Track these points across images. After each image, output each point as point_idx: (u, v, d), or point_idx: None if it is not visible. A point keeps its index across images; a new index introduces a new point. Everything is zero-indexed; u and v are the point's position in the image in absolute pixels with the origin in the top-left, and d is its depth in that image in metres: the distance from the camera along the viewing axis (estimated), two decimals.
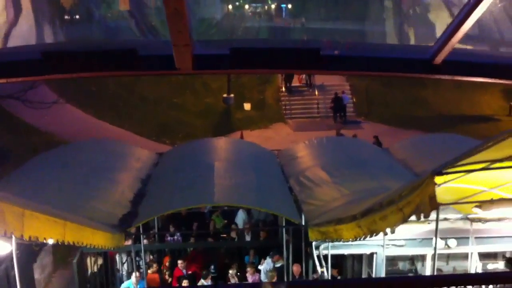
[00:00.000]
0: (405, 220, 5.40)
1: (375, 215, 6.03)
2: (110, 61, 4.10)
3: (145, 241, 11.91)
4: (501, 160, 5.81)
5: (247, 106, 29.04)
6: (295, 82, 30.57)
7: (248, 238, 13.45)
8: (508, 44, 5.10)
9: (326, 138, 15.25)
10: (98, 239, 8.29)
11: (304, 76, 29.76)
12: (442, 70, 4.09)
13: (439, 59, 3.94)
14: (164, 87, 29.87)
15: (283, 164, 13.81)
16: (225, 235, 13.84)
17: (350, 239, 7.20)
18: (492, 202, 6.09)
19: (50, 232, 5.93)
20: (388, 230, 5.80)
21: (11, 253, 7.22)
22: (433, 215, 6.74)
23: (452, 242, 10.31)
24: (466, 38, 3.90)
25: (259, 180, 11.48)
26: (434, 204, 4.90)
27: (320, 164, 12.64)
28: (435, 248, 7.49)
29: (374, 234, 6.18)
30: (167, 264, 12.23)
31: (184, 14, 3.35)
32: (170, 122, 27.24)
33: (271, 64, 4.29)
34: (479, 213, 6.38)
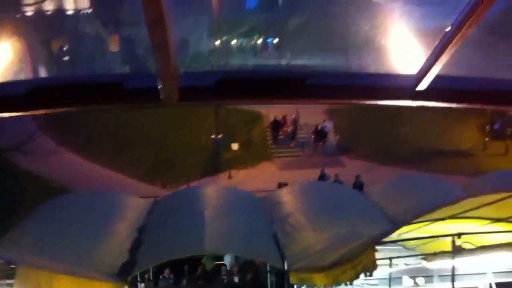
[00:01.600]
0: (357, 275, 6.62)
1: (338, 269, 7.23)
2: (95, 94, 4.10)
3: (142, 285, 12.99)
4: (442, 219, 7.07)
5: (234, 147, 30.30)
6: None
7: (236, 279, 14.53)
8: (491, 69, 5.53)
9: (309, 183, 16.52)
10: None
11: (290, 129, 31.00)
12: (426, 97, 4.18)
13: (422, 86, 4.07)
14: (155, 128, 31.16)
15: (268, 209, 14.99)
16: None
17: (322, 286, 8.35)
18: (435, 255, 7.31)
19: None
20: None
21: None
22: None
23: (420, 280, 11.51)
24: (449, 64, 3.95)
25: (245, 227, 12.65)
26: (375, 267, 6.13)
27: (301, 210, 13.84)
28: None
29: (338, 284, 7.38)
30: None
31: (169, 47, 3.36)
32: (162, 163, 28.38)
33: (257, 94, 4.27)
34: (424, 264, 7.60)
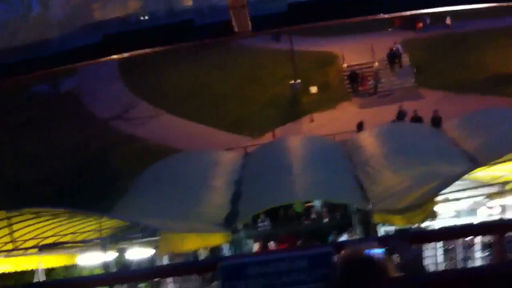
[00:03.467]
0: (425, 219, 7.89)
1: (411, 212, 8.52)
2: (168, 34, 5.22)
3: (242, 232, 14.91)
4: None
5: (313, 90, 31.30)
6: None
7: (325, 220, 16.15)
8: None
9: (387, 126, 17.54)
10: (216, 239, 11.28)
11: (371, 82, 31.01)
12: None
13: None
14: (234, 83, 32.94)
15: (350, 154, 16.29)
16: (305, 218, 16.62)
17: (401, 226, 9.69)
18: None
19: (195, 245, 8.89)
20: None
21: None
22: None
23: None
24: None
25: (329, 174, 14.10)
26: (434, 215, 7.38)
27: (381, 153, 15.03)
28: None
29: (412, 224, 8.69)
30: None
31: None
32: (245, 114, 30.12)
33: (329, 14, 5.08)
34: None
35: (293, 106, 30.37)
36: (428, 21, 35.87)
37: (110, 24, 30.30)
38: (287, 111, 29.96)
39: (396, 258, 3.11)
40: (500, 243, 3.75)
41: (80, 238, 10.43)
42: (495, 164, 9.84)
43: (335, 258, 3.26)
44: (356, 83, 30.96)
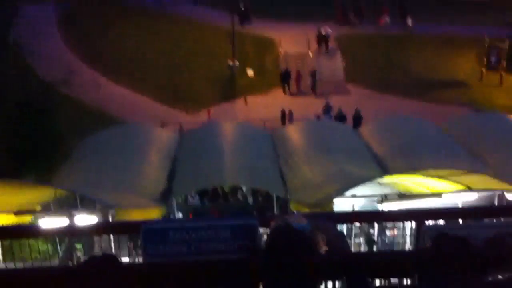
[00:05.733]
0: None
1: (320, 207, 10.68)
2: None
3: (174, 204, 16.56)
4: None
5: (250, 73, 32.94)
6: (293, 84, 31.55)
7: (250, 200, 18.10)
8: None
9: (312, 123, 19.69)
10: (153, 213, 12.95)
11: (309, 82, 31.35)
12: None
13: None
14: (173, 54, 34.05)
15: (277, 144, 18.25)
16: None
17: None
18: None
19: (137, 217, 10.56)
20: None
21: None
22: None
23: None
24: None
25: (257, 162, 16.04)
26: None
27: (303, 148, 17.12)
28: None
29: None
30: None
31: None
32: (182, 88, 31.42)
33: None
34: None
35: (230, 87, 31.95)
36: (388, 19, 37.55)
37: None
38: (224, 91, 31.53)
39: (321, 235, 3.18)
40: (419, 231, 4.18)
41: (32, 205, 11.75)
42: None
43: (260, 230, 3.37)
44: (288, 83, 31.06)
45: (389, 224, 13.01)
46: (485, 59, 32.98)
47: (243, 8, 36.86)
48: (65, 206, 12.47)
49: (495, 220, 5.19)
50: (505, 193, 12.79)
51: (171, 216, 16.31)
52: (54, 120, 20.42)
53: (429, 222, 4.45)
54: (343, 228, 12.54)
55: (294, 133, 18.61)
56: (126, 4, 39.52)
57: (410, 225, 12.60)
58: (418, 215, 4.60)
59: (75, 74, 24.19)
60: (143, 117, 26.69)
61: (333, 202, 12.78)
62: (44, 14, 36.98)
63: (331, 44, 35.09)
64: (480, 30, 34.18)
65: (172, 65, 33.33)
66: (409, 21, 36.81)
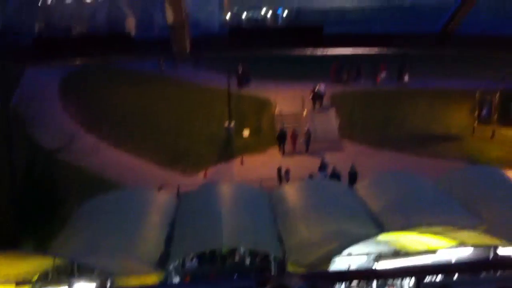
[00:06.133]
0: None
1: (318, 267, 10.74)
2: (105, 45, 5.56)
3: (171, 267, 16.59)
4: None
5: (245, 133, 33.53)
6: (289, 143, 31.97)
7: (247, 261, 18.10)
8: None
9: (308, 182, 19.98)
10: (151, 279, 12.99)
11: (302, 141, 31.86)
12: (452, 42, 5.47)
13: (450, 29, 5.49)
14: (172, 116, 34.67)
15: (274, 205, 18.46)
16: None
17: None
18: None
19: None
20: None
21: None
22: None
23: None
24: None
25: (254, 224, 16.22)
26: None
27: (300, 208, 17.34)
28: None
29: None
30: None
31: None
32: (180, 150, 31.85)
33: (273, 43, 5.38)
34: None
35: (226, 147, 32.40)
36: (384, 76, 38.34)
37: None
38: (221, 151, 31.97)
39: None
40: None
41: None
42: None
43: None
44: (284, 144, 31.58)
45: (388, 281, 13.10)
46: (477, 113, 33.59)
47: (240, 72, 37.81)
48: (64, 274, 12.55)
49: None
50: (500, 247, 12.94)
51: (169, 281, 16.36)
52: (54, 186, 20.68)
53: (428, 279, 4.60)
54: (342, 287, 12.77)
55: (291, 192, 18.86)
56: (125, 68, 40.55)
57: (408, 282, 12.85)
58: (415, 271, 4.76)
59: (75, 140, 24.55)
60: (141, 180, 26.96)
61: (330, 261, 12.89)
62: (47, 77, 37.81)
63: (326, 101, 35.79)
64: (474, 84, 34.98)
65: (171, 127, 33.90)
66: (406, 78, 37.77)
